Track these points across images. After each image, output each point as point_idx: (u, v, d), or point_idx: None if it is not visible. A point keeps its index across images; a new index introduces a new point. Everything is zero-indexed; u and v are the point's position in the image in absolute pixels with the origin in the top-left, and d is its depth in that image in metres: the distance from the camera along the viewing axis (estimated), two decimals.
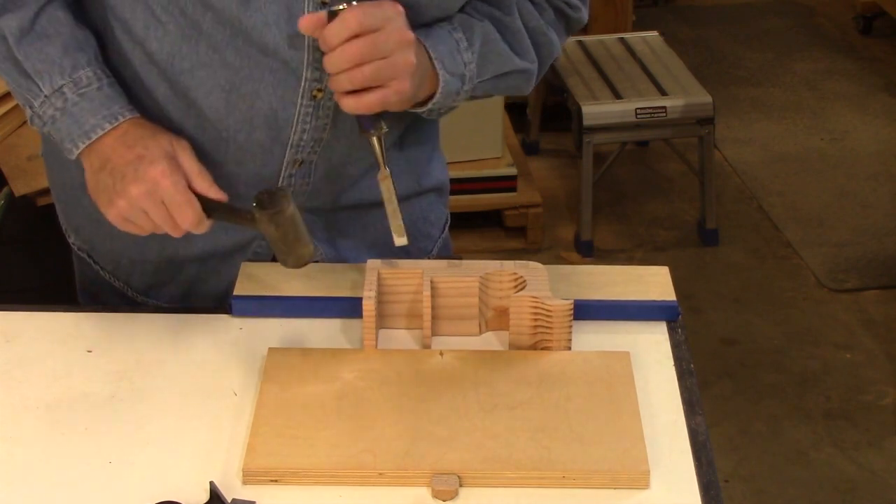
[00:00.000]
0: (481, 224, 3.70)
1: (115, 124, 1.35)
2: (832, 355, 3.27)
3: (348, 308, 1.42)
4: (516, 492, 1.20)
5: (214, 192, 1.33)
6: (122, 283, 1.59)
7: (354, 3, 1.27)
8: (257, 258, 1.53)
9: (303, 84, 1.37)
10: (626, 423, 1.26)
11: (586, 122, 3.57)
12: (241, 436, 1.26)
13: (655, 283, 1.48)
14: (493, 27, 1.43)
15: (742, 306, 3.46)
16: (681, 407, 1.32)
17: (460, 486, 1.20)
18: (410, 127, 1.55)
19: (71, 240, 1.62)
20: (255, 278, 1.47)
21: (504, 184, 3.65)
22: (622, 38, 4.09)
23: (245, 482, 1.21)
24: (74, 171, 1.50)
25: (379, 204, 1.40)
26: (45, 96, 1.35)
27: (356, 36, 1.25)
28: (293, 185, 1.47)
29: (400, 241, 1.37)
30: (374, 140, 1.35)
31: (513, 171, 3.65)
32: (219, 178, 1.38)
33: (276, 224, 1.28)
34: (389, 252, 1.44)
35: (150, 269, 1.56)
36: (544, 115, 4.08)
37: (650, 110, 3.61)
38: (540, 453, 1.22)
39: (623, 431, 1.25)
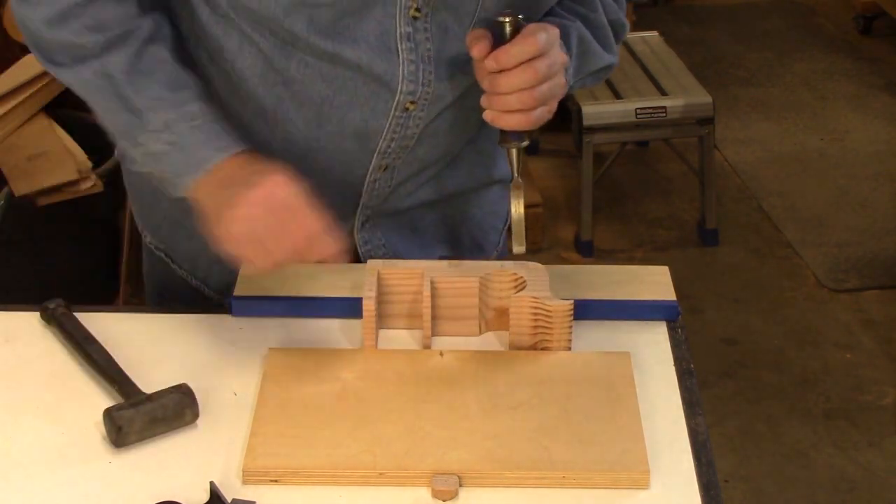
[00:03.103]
0: None
1: (228, 155, 1.34)
2: (832, 355, 3.27)
3: (348, 308, 1.42)
4: (516, 492, 1.20)
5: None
6: (199, 281, 1.60)
7: (521, 17, 1.30)
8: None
9: (397, 97, 1.38)
10: (626, 423, 1.26)
11: (586, 122, 3.57)
12: (241, 436, 1.26)
13: (655, 283, 1.48)
14: (585, 27, 1.46)
15: (742, 306, 3.46)
16: (681, 407, 1.32)
17: (460, 486, 1.20)
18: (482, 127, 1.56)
19: (147, 240, 1.63)
20: (254, 278, 1.47)
21: None
22: None
23: (245, 482, 1.21)
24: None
25: (453, 196, 1.49)
26: (155, 131, 1.34)
27: (533, 58, 1.29)
28: (376, 188, 1.48)
29: (519, 248, 1.40)
30: (514, 151, 1.38)
31: None
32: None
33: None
34: (461, 248, 1.58)
35: (228, 269, 1.55)
36: None
37: (650, 110, 3.61)
38: (540, 453, 1.22)
39: (623, 432, 1.25)
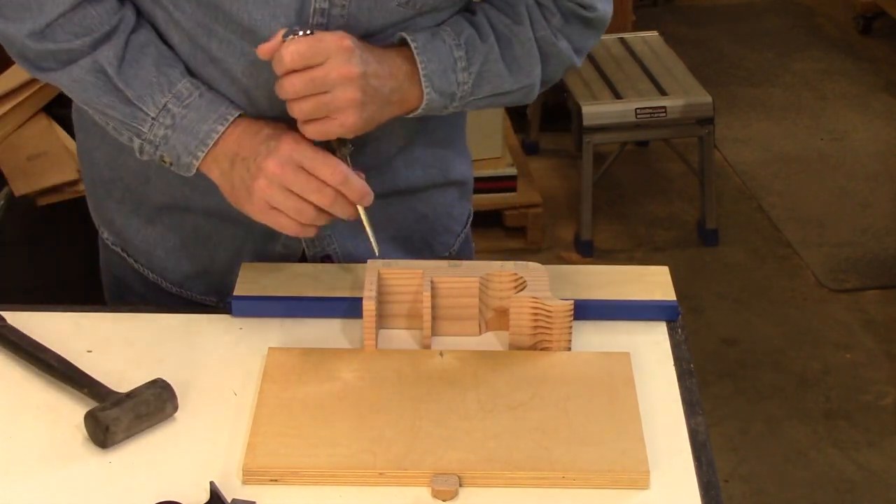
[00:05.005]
0: (481, 224, 3.67)
1: (228, 124, 1.36)
2: (832, 355, 3.27)
3: (348, 308, 1.42)
4: (516, 492, 1.20)
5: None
6: (156, 275, 1.59)
7: (309, 32, 1.29)
8: (286, 251, 1.53)
9: None
10: (626, 423, 1.26)
11: (586, 122, 3.57)
12: (241, 436, 1.26)
13: (655, 283, 1.48)
14: (498, 47, 1.42)
15: (742, 306, 3.46)
16: (681, 407, 1.32)
17: (460, 486, 1.20)
18: (435, 121, 1.53)
19: (104, 235, 1.62)
20: (255, 279, 1.47)
21: (504, 184, 3.64)
22: (622, 38, 4.09)
23: (245, 482, 1.21)
24: (102, 167, 1.54)
25: (405, 193, 1.51)
26: (153, 118, 1.36)
27: (294, 71, 1.29)
28: None
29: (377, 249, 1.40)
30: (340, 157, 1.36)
31: (513, 171, 3.65)
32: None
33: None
34: (410, 247, 1.56)
35: (185, 259, 1.56)
36: (544, 115, 4.08)
37: (650, 110, 3.61)
38: (540, 453, 1.22)
39: (623, 432, 1.25)
